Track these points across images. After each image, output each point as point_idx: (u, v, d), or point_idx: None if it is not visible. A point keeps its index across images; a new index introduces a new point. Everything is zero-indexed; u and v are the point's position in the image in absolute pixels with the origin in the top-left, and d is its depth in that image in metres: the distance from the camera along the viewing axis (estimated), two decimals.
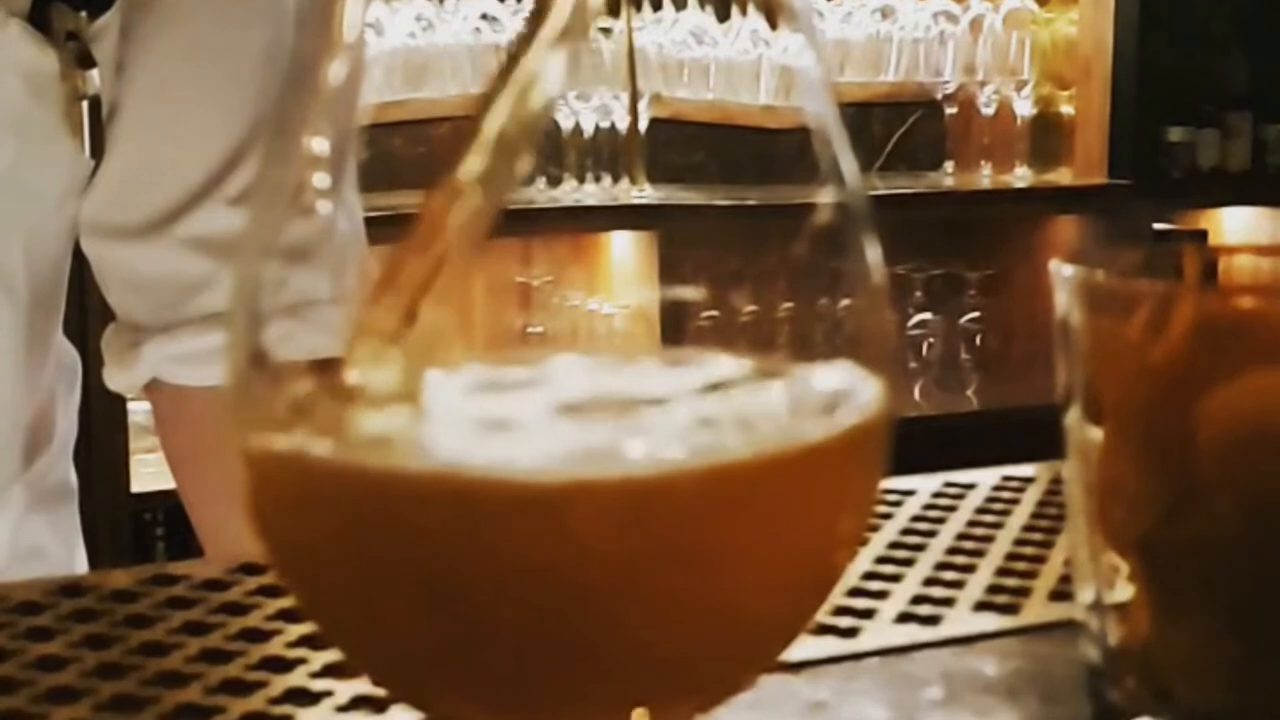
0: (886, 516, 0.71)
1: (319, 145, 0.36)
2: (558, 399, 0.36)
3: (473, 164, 0.34)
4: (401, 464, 0.33)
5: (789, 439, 0.35)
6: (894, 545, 0.67)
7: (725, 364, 0.38)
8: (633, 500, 0.32)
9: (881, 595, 0.62)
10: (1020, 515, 0.72)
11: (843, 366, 0.37)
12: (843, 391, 0.36)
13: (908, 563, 0.65)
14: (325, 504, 0.34)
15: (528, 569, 0.32)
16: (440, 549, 0.33)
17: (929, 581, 0.63)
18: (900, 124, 3.16)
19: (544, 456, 0.34)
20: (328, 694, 0.53)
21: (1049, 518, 0.71)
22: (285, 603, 0.59)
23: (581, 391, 0.37)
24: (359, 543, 0.34)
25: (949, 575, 0.64)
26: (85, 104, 0.84)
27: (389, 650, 0.36)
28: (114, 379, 0.91)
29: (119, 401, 1.37)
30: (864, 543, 0.64)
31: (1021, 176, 3.18)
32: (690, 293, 0.39)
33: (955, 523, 0.71)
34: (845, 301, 0.37)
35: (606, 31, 0.38)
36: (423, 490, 0.32)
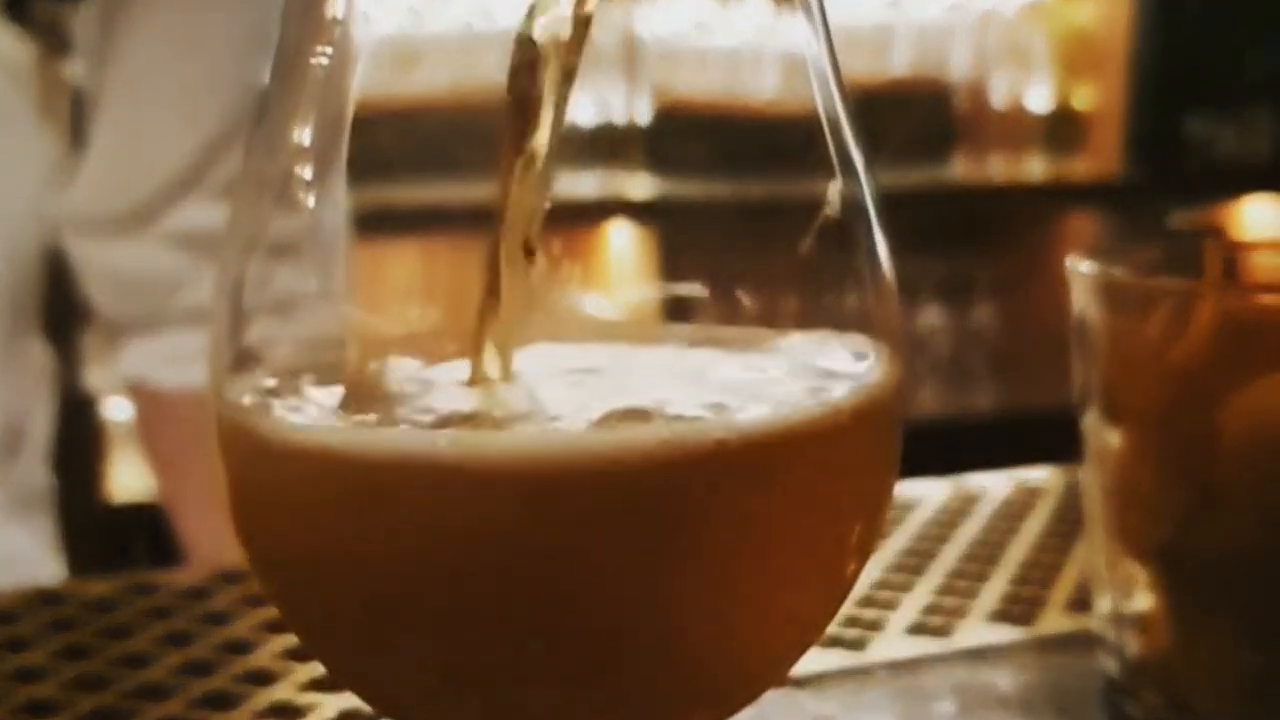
0: (896, 523, 0.70)
1: (305, 136, 0.35)
2: (547, 377, 0.35)
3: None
4: (376, 440, 0.32)
5: (794, 421, 0.33)
6: (904, 553, 0.67)
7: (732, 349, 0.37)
8: (627, 482, 0.31)
9: (891, 605, 0.61)
10: (1035, 522, 0.71)
11: (853, 349, 0.36)
12: (851, 373, 0.35)
13: (918, 571, 0.65)
14: (304, 489, 0.33)
15: (508, 556, 0.31)
16: (416, 534, 0.31)
17: (940, 591, 0.63)
18: (907, 116, 3.16)
19: (532, 436, 0.32)
20: (313, 708, 0.52)
21: (1065, 524, 0.70)
22: (269, 613, 0.58)
23: (572, 370, 0.36)
24: (336, 530, 0.32)
25: (961, 584, 0.63)
26: (67, 97, 0.84)
27: (366, 655, 0.34)
28: (95, 379, 0.91)
29: (96, 404, 1.38)
30: (873, 550, 0.64)
31: (1034, 170, 3.18)
32: (692, 288, 0.38)
33: (967, 530, 0.70)
34: (853, 298, 0.36)
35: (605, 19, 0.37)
36: (399, 469, 0.31)
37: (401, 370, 0.36)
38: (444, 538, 0.31)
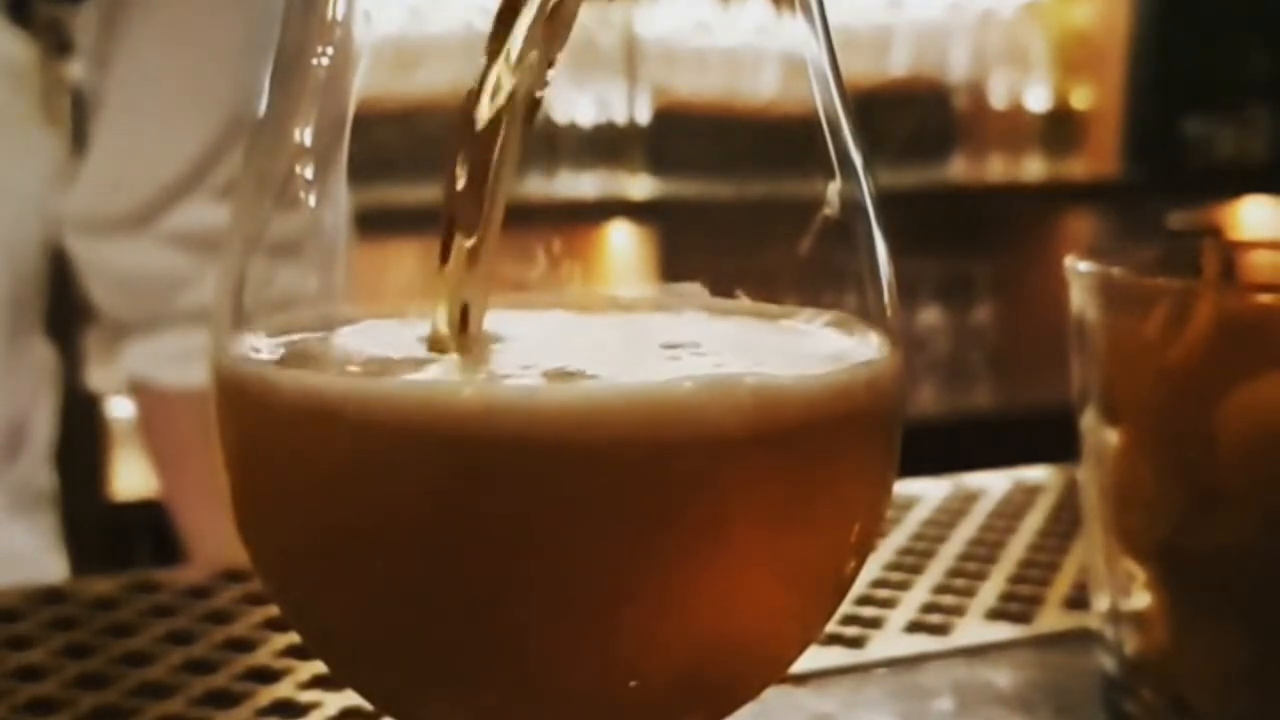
0: (895, 522, 0.70)
1: (306, 136, 0.35)
2: (544, 348, 0.35)
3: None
4: (375, 386, 0.32)
5: (814, 381, 0.33)
6: (903, 551, 0.67)
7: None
8: (621, 450, 0.31)
9: (890, 604, 0.61)
10: (1033, 520, 0.71)
11: (858, 329, 0.36)
12: (860, 348, 0.35)
13: (917, 569, 0.65)
14: (305, 447, 0.32)
15: (505, 528, 0.31)
16: (417, 499, 0.31)
17: (939, 589, 0.63)
18: (906, 116, 3.15)
19: (526, 397, 0.31)
20: (316, 706, 0.52)
21: (1063, 523, 0.70)
22: (271, 611, 0.58)
23: (575, 339, 0.36)
24: (332, 493, 0.32)
25: (960, 583, 0.63)
26: (69, 97, 0.84)
27: (366, 650, 0.34)
28: (97, 378, 0.91)
29: (98, 403, 1.38)
30: (873, 547, 0.64)
31: (1033, 170, 3.17)
32: (692, 289, 0.38)
33: (966, 528, 0.70)
34: (852, 298, 0.36)
35: (605, 19, 0.37)
36: (403, 428, 0.31)
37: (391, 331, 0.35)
38: (444, 497, 0.31)
